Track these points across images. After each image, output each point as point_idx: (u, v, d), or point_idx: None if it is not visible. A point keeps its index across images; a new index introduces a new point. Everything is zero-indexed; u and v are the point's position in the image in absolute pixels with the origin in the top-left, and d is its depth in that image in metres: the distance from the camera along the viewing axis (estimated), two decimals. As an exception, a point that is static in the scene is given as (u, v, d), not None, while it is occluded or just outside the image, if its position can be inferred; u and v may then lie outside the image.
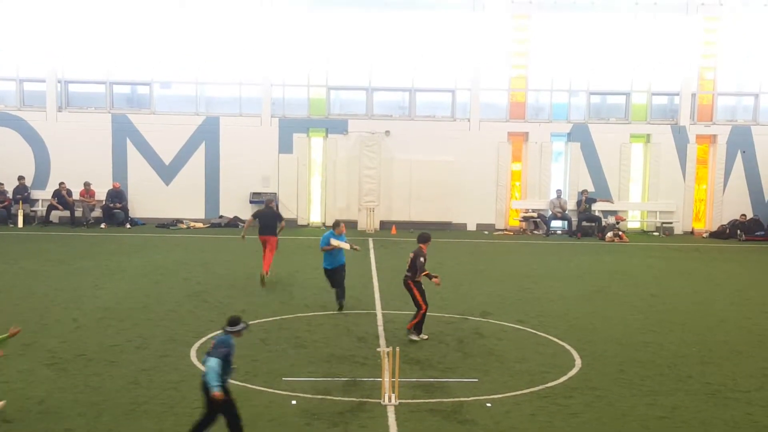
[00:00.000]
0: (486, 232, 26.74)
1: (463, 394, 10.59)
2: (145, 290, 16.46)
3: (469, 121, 27.18)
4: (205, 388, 8.32)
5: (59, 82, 26.76)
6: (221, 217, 26.82)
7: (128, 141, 26.65)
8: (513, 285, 17.94)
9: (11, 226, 25.65)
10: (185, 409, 9.75)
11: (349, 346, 12.69)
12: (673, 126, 27.52)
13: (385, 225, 26.63)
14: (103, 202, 26.22)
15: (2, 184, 26.16)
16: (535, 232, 26.89)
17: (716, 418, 10.04)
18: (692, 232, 27.63)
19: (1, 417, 9.47)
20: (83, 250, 21.23)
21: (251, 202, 26.16)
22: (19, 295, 15.79)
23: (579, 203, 26.93)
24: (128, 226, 25.97)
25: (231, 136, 26.76)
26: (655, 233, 27.32)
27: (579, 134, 27.32)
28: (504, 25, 27.09)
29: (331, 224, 17.14)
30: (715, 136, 27.58)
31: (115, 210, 26.25)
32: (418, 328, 13.12)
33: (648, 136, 27.53)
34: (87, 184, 26.20)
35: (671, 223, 27.41)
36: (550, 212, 27.14)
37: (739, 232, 26.67)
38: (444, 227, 26.35)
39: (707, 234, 27.22)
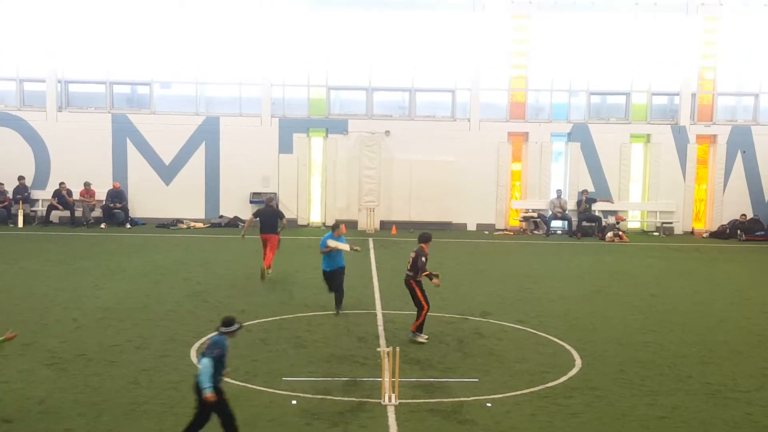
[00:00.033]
0: (486, 232, 26.74)
1: (463, 394, 10.59)
2: (145, 290, 16.46)
3: (469, 121, 27.18)
4: (198, 388, 8.35)
5: (59, 82, 26.76)
6: (221, 217, 26.82)
7: (128, 141, 26.65)
8: (513, 285, 17.94)
9: (11, 226, 25.65)
10: (185, 409, 9.72)
11: (349, 346, 12.68)
12: (673, 126, 27.52)
13: (385, 225, 26.63)
14: (103, 202, 26.22)
15: (2, 184, 26.16)
16: (536, 232, 26.89)
17: (716, 418, 10.04)
18: (692, 232, 27.63)
19: (1, 417, 9.47)
20: (83, 250, 21.24)
21: (251, 202, 26.15)
22: (19, 295, 15.79)
23: (579, 203, 26.92)
24: (128, 226, 25.97)
25: (231, 136, 26.76)
26: (655, 233, 27.32)
27: (579, 134, 27.32)
28: (504, 25, 27.09)
29: (331, 224, 17.15)
30: (715, 136, 27.58)
31: (115, 210, 26.25)
32: (420, 328, 13.11)
33: (648, 136, 27.53)
34: (87, 184, 26.20)
35: (671, 223, 27.41)
36: (550, 212, 27.14)
37: (739, 232, 26.66)
38: (444, 227, 26.35)
39: (707, 234, 27.21)
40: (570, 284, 18.13)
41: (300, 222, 26.84)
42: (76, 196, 26.16)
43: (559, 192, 27.12)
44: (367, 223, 26.45)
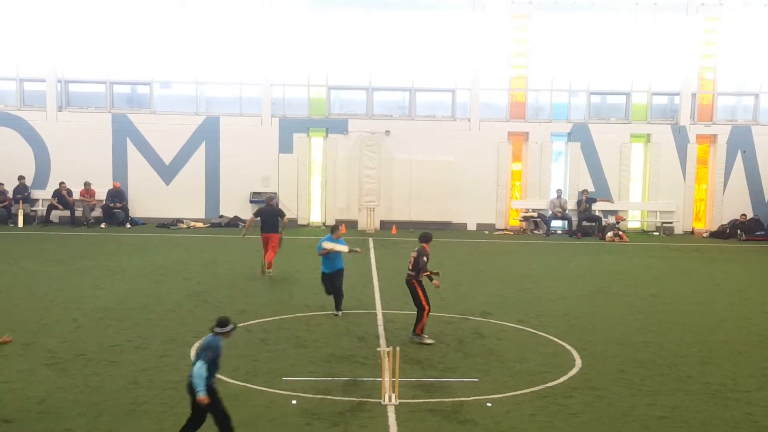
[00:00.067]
0: (486, 232, 26.74)
1: (464, 394, 10.59)
2: (145, 290, 16.46)
3: (469, 121, 27.19)
4: (191, 389, 8.35)
5: (59, 81, 26.77)
6: (221, 216, 26.83)
7: (128, 141, 26.65)
8: (513, 285, 17.94)
9: (11, 225, 25.66)
10: (185, 409, 9.68)
11: (349, 346, 12.68)
12: (674, 126, 27.52)
13: (385, 225, 26.63)
14: (104, 202, 26.23)
15: (2, 184, 26.16)
16: (536, 232, 26.89)
17: (716, 418, 10.04)
18: (692, 232, 27.63)
19: (1, 417, 9.47)
20: (83, 250, 21.24)
21: (251, 201, 26.16)
22: (19, 295, 15.79)
23: (579, 203, 26.93)
24: (128, 225, 25.98)
25: (231, 136, 26.76)
26: (656, 233, 27.33)
27: (579, 134, 27.32)
28: (504, 25, 27.09)
29: (331, 224, 17.12)
30: (715, 136, 27.58)
31: (115, 210, 26.26)
32: (423, 329, 13.07)
33: (648, 136, 27.54)
34: (87, 184, 26.20)
35: (671, 222, 27.41)
36: (551, 212, 27.14)
37: (739, 231, 26.67)
38: (444, 227, 26.35)
39: (707, 234, 27.22)
40: (570, 284, 18.13)
41: (300, 222, 26.84)
42: (76, 195, 26.17)
43: (559, 192, 27.12)
44: (367, 223, 26.46)
